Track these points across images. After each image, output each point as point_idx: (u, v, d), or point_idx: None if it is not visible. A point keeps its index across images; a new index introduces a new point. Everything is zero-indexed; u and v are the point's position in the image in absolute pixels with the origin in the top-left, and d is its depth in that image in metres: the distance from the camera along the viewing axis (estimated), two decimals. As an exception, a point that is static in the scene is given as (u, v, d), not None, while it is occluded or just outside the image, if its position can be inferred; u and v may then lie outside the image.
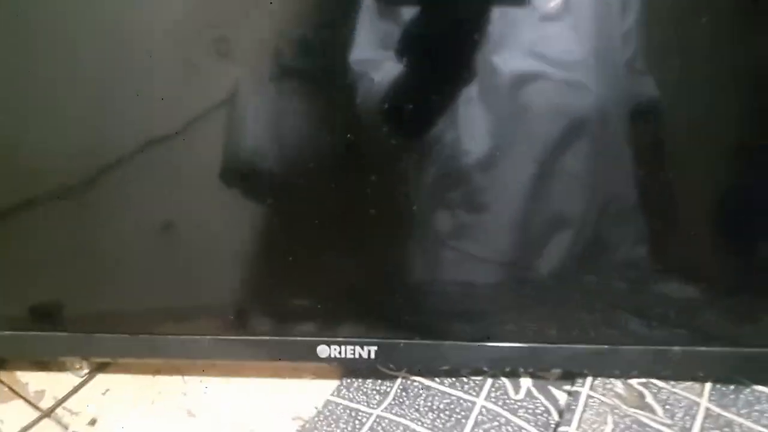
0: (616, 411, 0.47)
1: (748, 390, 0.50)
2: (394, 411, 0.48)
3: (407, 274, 0.49)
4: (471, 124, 0.45)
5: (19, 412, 0.49)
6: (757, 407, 0.49)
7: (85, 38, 0.45)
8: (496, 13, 0.42)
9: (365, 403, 0.49)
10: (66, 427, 0.48)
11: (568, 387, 0.49)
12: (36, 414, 0.48)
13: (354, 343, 0.48)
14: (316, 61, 0.46)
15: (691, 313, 0.49)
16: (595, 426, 0.46)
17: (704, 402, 0.49)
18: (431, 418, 0.47)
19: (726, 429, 0.47)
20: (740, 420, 0.48)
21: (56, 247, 0.49)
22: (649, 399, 0.48)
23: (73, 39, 0.45)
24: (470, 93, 0.44)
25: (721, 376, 0.50)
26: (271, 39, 0.45)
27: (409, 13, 0.43)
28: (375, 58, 0.44)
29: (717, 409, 0.48)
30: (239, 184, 0.48)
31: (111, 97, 0.46)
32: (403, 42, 0.44)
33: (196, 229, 0.50)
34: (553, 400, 0.49)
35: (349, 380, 0.50)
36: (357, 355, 0.48)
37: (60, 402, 0.49)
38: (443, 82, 0.45)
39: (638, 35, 0.43)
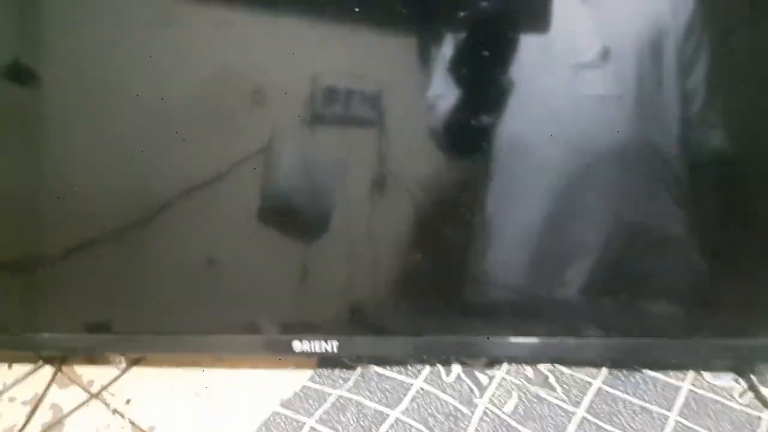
0: (521, 389, 0.60)
1: (638, 374, 0.62)
2: (352, 391, 0.62)
3: (364, 285, 0.63)
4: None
5: (75, 395, 0.65)
6: (642, 387, 0.60)
7: (137, 95, 0.57)
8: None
9: (331, 386, 0.63)
10: (108, 405, 0.64)
11: (489, 372, 0.62)
12: (87, 396, 0.65)
13: (320, 339, 0.62)
14: (344, 108, 0.57)
15: (588, 307, 0.61)
16: (502, 400, 0.59)
17: (597, 383, 0.61)
18: (379, 396, 0.61)
19: (611, 403, 0.59)
20: (625, 396, 0.60)
21: (110, 276, 0.63)
22: (552, 380, 0.61)
23: (127, 96, 0.57)
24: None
25: (617, 363, 0.62)
26: (303, 89, 0.55)
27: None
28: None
29: (607, 388, 0.60)
30: (275, 224, 0.61)
31: (157, 146, 0.58)
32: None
33: (235, 265, 0.62)
34: (477, 382, 0.62)
35: (321, 369, 0.65)
36: (322, 349, 0.63)
37: (105, 387, 0.65)
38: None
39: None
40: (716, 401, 0.59)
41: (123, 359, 0.67)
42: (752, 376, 0.61)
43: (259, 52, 0.56)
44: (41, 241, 0.63)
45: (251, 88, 0.58)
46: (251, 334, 0.64)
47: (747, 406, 0.59)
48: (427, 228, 0.61)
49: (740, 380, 0.61)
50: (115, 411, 0.63)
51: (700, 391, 0.60)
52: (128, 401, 0.64)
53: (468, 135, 0.57)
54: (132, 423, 0.62)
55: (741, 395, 0.60)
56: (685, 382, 0.61)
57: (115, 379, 0.66)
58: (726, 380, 0.61)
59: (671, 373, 0.62)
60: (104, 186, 0.61)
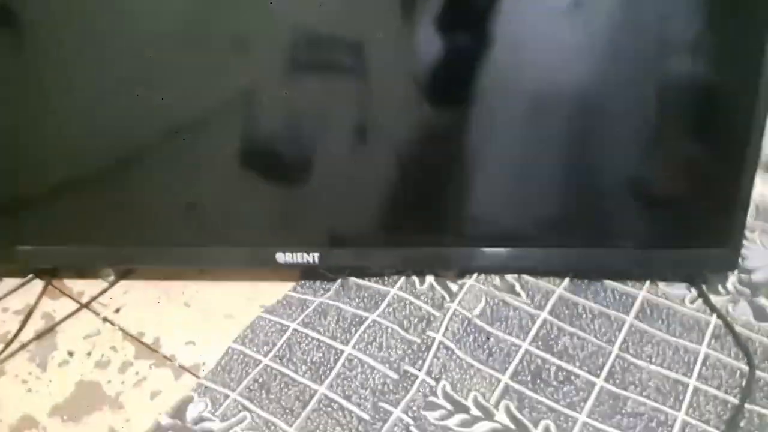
0: (489, 294, 0.64)
1: (598, 283, 0.66)
2: (332, 299, 0.66)
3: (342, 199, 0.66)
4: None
5: (66, 306, 0.68)
6: (601, 294, 0.65)
7: (117, 41, 0.60)
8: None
9: (312, 294, 0.67)
10: (98, 314, 0.67)
11: (461, 281, 0.66)
12: (77, 306, 0.68)
13: (301, 251, 0.66)
14: (327, 54, 0.60)
15: (553, 220, 0.65)
16: (471, 304, 0.63)
17: (560, 290, 0.65)
18: (356, 302, 0.65)
19: (572, 307, 0.64)
20: (584, 302, 0.64)
21: (99, 206, 0.66)
22: (518, 288, 0.65)
23: (110, 39, 0.60)
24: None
25: (579, 273, 0.67)
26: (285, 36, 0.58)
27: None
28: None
29: (568, 294, 0.65)
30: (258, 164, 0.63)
31: (140, 91, 0.61)
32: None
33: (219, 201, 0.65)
34: (449, 291, 0.66)
35: (303, 281, 0.69)
36: (304, 260, 0.66)
37: (94, 298, 0.68)
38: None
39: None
40: (669, 307, 0.64)
41: (111, 272, 0.70)
42: (702, 285, 0.66)
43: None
44: (36, 169, 0.66)
45: (231, 33, 0.60)
46: (237, 247, 0.67)
47: (696, 311, 0.64)
48: (406, 158, 0.64)
49: (692, 288, 0.66)
50: (105, 319, 0.66)
51: (654, 298, 0.65)
52: (117, 310, 0.67)
53: (446, 82, 0.60)
54: (122, 330, 0.65)
55: (692, 302, 0.65)
56: (641, 291, 0.65)
57: (104, 290, 0.69)
58: (679, 289, 0.66)
59: (629, 283, 0.66)
60: (90, 125, 0.63)
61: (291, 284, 0.68)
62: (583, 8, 0.57)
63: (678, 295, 0.65)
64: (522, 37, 0.58)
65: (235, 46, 0.61)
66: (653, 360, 0.59)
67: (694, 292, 0.66)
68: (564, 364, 0.59)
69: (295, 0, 0.59)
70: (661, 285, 0.66)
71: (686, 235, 0.65)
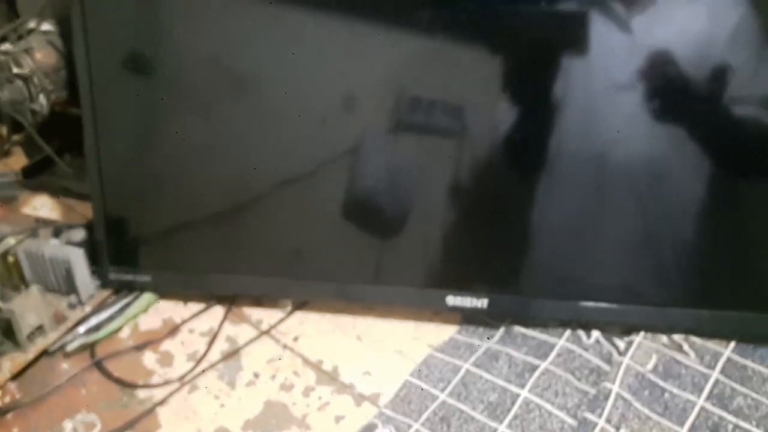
0: (658, 351, 0.66)
1: (765, 349, 0.67)
2: (499, 344, 0.69)
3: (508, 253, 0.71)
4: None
5: (246, 332, 0.73)
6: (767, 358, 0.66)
7: (241, 96, 0.67)
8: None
9: (477, 339, 0.70)
10: (278, 341, 0.72)
11: (627, 338, 0.68)
12: (257, 332, 0.73)
13: (471, 296, 0.70)
14: (426, 118, 0.66)
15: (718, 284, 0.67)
16: (643, 359, 0.65)
17: (728, 352, 0.67)
18: (525, 350, 0.68)
19: (742, 369, 0.65)
20: (753, 365, 0.65)
21: (215, 248, 0.73)
22: (686, 347, 0.67)
23: (234, 98, 0.67)
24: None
25: (745, 337, 0.68)
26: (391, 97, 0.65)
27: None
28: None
29: (737, 357, 0.66)
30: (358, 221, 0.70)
31: (257, 144, 0.69)
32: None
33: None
34: (616, 346, 0.68)
35: (467, 325, 0.72)
36: (473, 305, 0.70)
37: (273, 326, 0.73)
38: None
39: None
40: (838, 377, 0.64)
41: (289, 303, 0.75)
42: None
43: (352, 61, 0.65)
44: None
45: (342, 93, 0.67)
46: (409, 287, 0.72)
47: None
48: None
49: None
50: (285, 346, 0.71)
51: (822, 367, 0.65)
52: (296, 338, 0.72)
53: (521, 148, 0.66)
54: (302, 356, 0.70)
55: None
56: (808, 359, 0.66)
57: (282, 319, 0.74)
58: None
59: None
60: (212, 176, 0.71)
61: (455, 327, 0.72)
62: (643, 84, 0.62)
63: None
64: (589, 106, 0.63)
65: (345, 105, 0.67)
66: (829, 427, 0.60)
67: None
68: (741, 423, 0.60)
69: (401, 64, 0.65)
70: (828, 354, 0.67)
71: None
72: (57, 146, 0.84)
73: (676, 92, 0.63)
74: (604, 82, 0.63)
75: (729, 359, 0.66)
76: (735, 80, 0.61)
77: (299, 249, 0.74)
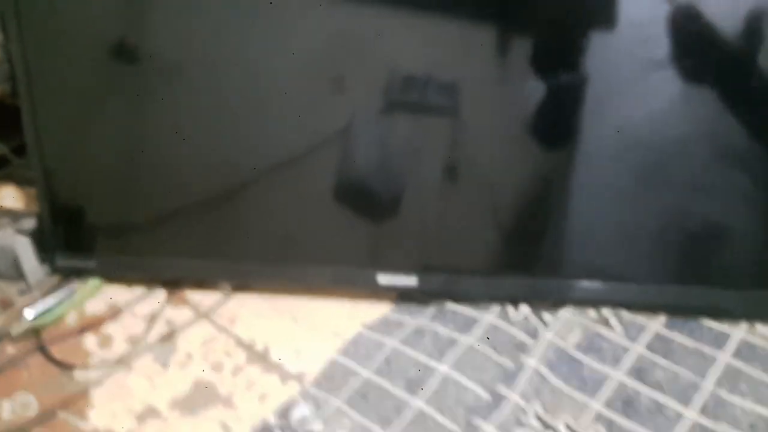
0: (584, 326, 0.66)
1: (695, 322, 0.67)
2: (428, 321, 0.69)
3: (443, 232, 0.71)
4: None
5: (185, 315, 0.74)
6: (697, 332, 0.66)
7: (230, 81, 0.67)
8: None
9: (409, 316, 0.70)
10: (215, 323, 0.73)
11: (556, 312, 0.68)
12: (196, 315, 0.74)
13: (401, 274, 0.70)
14: (420, 95, 0.65)
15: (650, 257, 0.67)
16: (566, 334, 0.65)
17: (657, 326, 0.66)
18: (452, 326, 0.68)
19: (667, 342, 0.64)
20: (680, 338, 0.65)
21: (220, 226, 0.73)
22: (613, 321, 0.67)
23: (221, 77, 0.67)
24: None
25: (677, 310, 0.67)
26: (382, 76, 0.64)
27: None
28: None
29: (664, 330, 0.66)
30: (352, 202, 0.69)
31: (246, 127, 0.68)
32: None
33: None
34: (543, 321, 0.68)
35: (401, 304, 0.73)
36: (403, 283, 0.70)
37: (212, 308, 0.75)
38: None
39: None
40: (766, 348, 0.64)
41: (228, 286, 0.76)
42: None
43: (339, 40, 0.64)
44: (164, 191, 0.74)
45: (331, 74, 0.66)
46: (341, 267, 0.72)
47: (797, 355, 0.63)
48: (499, 195, 0.68)
49: (791, 333, 0.65)
50: (221, 328, 0.72)
51: (752, 339, 0.65)
52: (233, 320, 0.73)
53: (542, 128, 0.64)
54: (235, 338, 0.71)
55: (792, 346, 0.64)
56: (739, 331, 0.65)
57: (221, 302, 0.75)
58: (777, 332, 0.66)
59: (726, 323, 0.66)
60: (209, 154, 0.71)
61: (389, 305, 0.72)
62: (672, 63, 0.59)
63: (777, 339, 0.65)
64: (612, 81, 0.61)
65: (334, 86, 0.66)
66: (748, 398, 0.59)
67: (794, 336, 0.65)
68: (656, 395, 0.60)
69: (391, 41, 0.64)
70: (759, 327, 0.66)
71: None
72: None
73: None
74: (620, 58, 0.61)
75: (656, 333, 0.65)
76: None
77: (249, 232, 0.75)
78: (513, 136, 0.65)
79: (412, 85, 0.65)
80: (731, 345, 0.64)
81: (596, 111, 0.63)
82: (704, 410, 0.58)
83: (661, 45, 0.60)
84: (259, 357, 0.69)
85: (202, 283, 0.77)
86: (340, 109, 0.67)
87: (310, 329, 0.71)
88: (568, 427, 0.57)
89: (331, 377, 0.64)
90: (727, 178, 0.63)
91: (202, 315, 0.74)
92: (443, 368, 0.63)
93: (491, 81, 0.64)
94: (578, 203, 0.67)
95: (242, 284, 0.76)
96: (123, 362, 0.69)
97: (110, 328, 0.73)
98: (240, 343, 0.70)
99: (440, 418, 0.59)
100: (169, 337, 0.72)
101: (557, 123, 0.64)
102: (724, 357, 0.63)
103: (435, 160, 0.67)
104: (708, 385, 0.60)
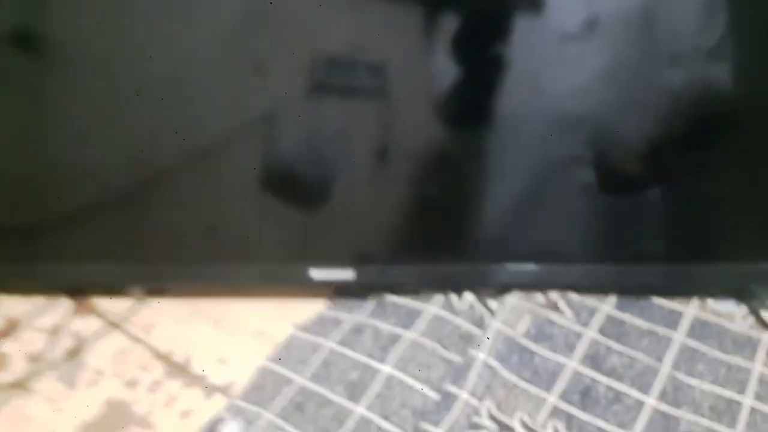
0: (532, 312, 0.62)
1: (645, 301, 0.64)
2: (368, 317, 0.63)
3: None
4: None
5: (95, 324, 0.66)
6: (648, 311, 0.63)
7: (139, 64, 0.59)
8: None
9: (347, 312, 0.65)
10: (128, 333, 0.65)
11: (501, 298, 0.64)
12: (106, 324, 0.66)
13: (335, 267, 0.64)
14: (347, 77, 0.59)
15: (595, 235, 0.63)
16: (514, 322, 0.61)
17: (607, 308, 0.63)
18: (393, 320, 0.63)
19: (620, 325, 0.61)
20: (632, 319, 0.62)
21: (126, 225, 0.66)
22: (562, 305, 0.63)
23: (132, 62, 0.59)
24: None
25: (625, 289, 0.64)
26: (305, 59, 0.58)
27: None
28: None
29: (615, 312, 0.62)
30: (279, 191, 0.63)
31: (158, 113, 0.61)
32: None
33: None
34: (490, 309, 0.63)
35: (337, 299, 0.67)
36: (339, 277, 0.64)
37: (123, 316, 0.67)
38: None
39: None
40: (719, 324, 0.61)
41: (141, 291, 0.69)
42: (753, 301, 0.63)
43: (257, 19, 0.58)
44: (60, 188, 0.65)
45: (253, 56, 0.60)
46: (268, 263, 0.66)
47: (749, 327, 0.61)
48: (428, 177, 0.63)
49: (741, 305, 0.63)
50: (135, 338, 0.65)
51: (703, 315, 0.62)
52: (146, 329, 0.65)
53: (463, 107, 0.60)
54: (152, 348, 0.63)
55: (743, 318, 0.62)
56: (690, 308, 0.63)
57: (134, 309, 0.67)
58: (728, 305, 0.63)
59: (677, 300, 0.64)
60: (113, 146, 0.63)
61: (324, 302, 0.66)
62: (597, 31, 0.55)
63: (728, 312, 0.63)
64: (537, 59, 0.57)
65: (256, 68, 0.60)
66: (706, 378, 0.56)
67: (744, 308, 0.63)
68: (613, 383, 0.56)
69: (315, 22, 0.58)
70: (710, 302, 0.64)
71: (734, 248, 0.62)
72: None
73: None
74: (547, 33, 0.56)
75: (607, 315, 0.62)
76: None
77: (164, 230, 0.67)
78: (441, 117, 0.61)
79: (338, 66, 0.60)
80: (684, 324, 0.61)
81: (522, 89, 0.59)
82: (663, 396, 0.55)
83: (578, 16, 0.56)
84: (180, 369, 0.62)
85: (112, 289, 0.69)
86: (262, 92, 0.61)
87: (236, 334, 0.64)
88: (524, 425, 0.53)
89: (262, 387, 0.58)
90: (656, 148, 0.60)
91: (113, 325, 0.66)
92: (386, 368, 0.58)
93: (418, 61, 0.60)
94: (511, 183, 0.63)
95: (157, 288, 0.69)
96: (21, 385, 0.61)
97: (6, 346, 0.64)
98: (157, 354, 0.63)
99: (386, 424, 0.54)
100: (75, 352, 0.63)
101: (484, 102, 0.60)
102: (679, 337, 0.60)
103: (365, 144, 0.62)
104: (665, 368, 0.57)
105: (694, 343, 0.59)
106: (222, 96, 0.61)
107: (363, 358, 0.59)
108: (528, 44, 0.56)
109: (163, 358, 0.63)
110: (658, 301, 0.64)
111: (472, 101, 0.60)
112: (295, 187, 0.64)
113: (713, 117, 0.59)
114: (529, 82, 0.58)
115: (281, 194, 0.64)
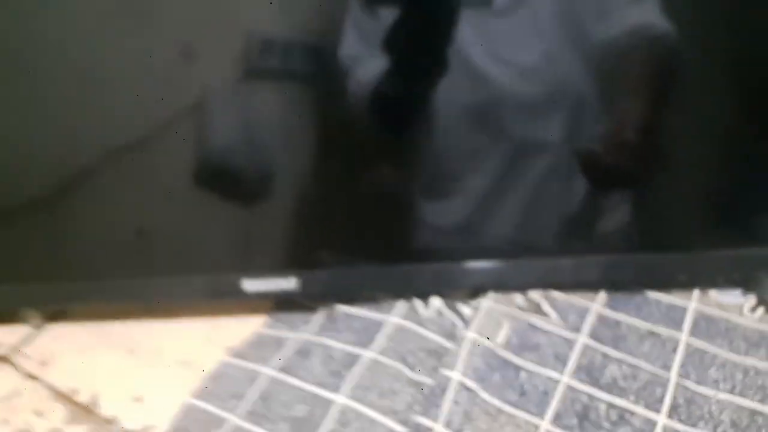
0: (512, 317, 0.52)
1: (640, 296, 0.55)
2: (316, 334, 0.53)
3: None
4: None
5: (-21, 361, 0.54)
6: (645, 308, 0.54)
7: (56, 51, 0.50)
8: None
9: (289, 330, 0.54)
10: (20, 369, 0.53)
11: (474, 302, 0.54)
12: (-7, 360, 0.54)
13: (275, 276, 0.53)
14: (285, 61, 0.51)
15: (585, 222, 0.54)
16: (492, 330, 0.51)
17: (596, 306, 0.54)
18: (347, 336, 0.52)
19: (614, 327, 0.52)
20: (628, 319, 0.53)
21: (28, 242, 0.55)
22: (546, 307, 0.53)
23: (47, 52, 0.50)
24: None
25: (615, 283, 0.55)
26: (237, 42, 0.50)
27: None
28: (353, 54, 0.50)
29: (607, 311, 0.53)
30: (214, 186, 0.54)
31: (73, 107, 0.51)
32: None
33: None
34: (461, 315, 0.54)
35: (278, 314, 0.56)
36: (279, 287, 0.53)
37: (15, 348, 0.54)
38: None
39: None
40: (726, 319, 0.53)
41: (38, 315, 0.56)
42: (761, 290, 0.55)
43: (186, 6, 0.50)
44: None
45: (178, 41, 0.51)
46: (192, 275, 0.54)
47: (759, 321, 0.53)
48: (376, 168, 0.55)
49: (747, 295, 0.55)
50: (29, 375, 0.53)
51: (707, 309, 0.54)
52: (44, 363, 0.53)
53: (405, 92, 0.52)
54: (50, 387, 0.52)
55: (751, 311, 0.54)
56: (691, 302, 0.54)
57: (29, 338, 0.55)
58: (733, 297, 0.55)
59: (675, 293, 0.55)
60: (23, 149, 0.53)
61: (262, 319, 0.56)
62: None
63: (734, 304, 0.54)
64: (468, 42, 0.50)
65: (181, 55, 0.51)
66: (721, 386, 0.48)
67: (751, 298, 0.55)
68: (616, 400, 0.47)
69: (247, 3, 0.51)
70: (713, 293, 0.55)
71: (739, 233, 0.55)
72: None
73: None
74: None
75: (599, 316, 0.53)
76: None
77: (67, 244, 0.55)
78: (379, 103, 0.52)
79: (272, 50, 0.52)
80: (687, 321, 0.52)
81: (464, 75, 0.51)
82: (675, 411, 0.46)
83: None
84: (85, 411, 0.50)
85: (1, 315, 0.56)
86: (189, 80, 0.52)
87: (154, 364, 0.53)
88: (514, 462, 0.43)
89: (186, 431, 0.47)
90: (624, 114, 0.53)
91: (1, 359, 0.54)
92: (341, 399, 0.47)
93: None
94: (474, 170, 0.54)
95: (58, 312, 0.57)
96: None
97: None
98: (56, 393, 0.51)
99: (342, 470, 0.44)
100: (-49, 398, 0.51)
101: (420, 86, 0.52)
102: (683, 338, 0.51)
103: (307, 134, 0.54)
104: (673, 377, 0.48)
105: (700, 344, 0.51)
106: (146, 84, 0.52)
107: (311, 388, 0.49)
108: (460, 27, 0.49)
109: (65, 398, 0.51)
110: (655, 295, 0.55)
111: (412, 89, 0.52)
112: (230, 183, 0.55)
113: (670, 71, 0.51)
114: (468, 67, 0.50)
115: (214, 192, 0.55)
